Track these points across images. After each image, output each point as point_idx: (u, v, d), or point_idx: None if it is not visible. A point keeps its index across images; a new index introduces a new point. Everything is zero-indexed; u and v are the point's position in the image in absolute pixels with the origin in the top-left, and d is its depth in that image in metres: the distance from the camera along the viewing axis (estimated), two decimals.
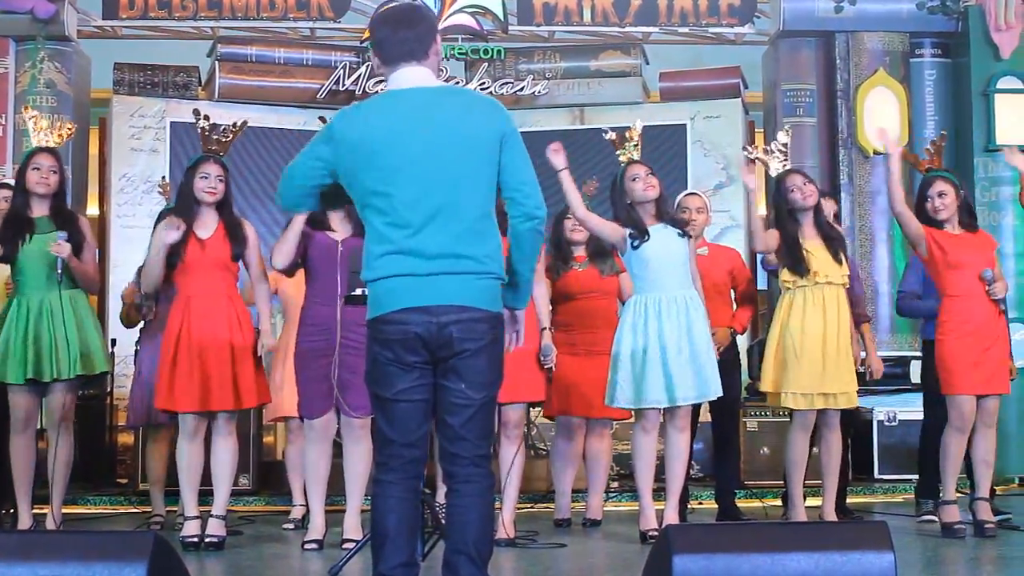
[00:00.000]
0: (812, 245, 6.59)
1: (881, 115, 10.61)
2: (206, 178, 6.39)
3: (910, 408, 8.85)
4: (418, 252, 3.70)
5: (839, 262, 6.59)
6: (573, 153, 10.30)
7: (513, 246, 3.90)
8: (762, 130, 11.47)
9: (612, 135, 6.75)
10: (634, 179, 6.48)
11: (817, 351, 6.49)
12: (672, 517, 6.37)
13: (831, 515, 6.66)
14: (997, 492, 7.70)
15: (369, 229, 3.80)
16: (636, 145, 6.66)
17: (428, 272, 3.70)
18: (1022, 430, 9.88)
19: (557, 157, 6.10)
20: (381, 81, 10.86)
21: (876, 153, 10.60)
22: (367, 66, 11.06)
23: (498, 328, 3.81)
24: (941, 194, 6.64)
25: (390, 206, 3.72)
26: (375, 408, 3.86)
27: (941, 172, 6.76)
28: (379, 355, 3.77)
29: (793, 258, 6.57)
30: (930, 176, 6.74)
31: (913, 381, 8.69)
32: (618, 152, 6.70)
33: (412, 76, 3.83)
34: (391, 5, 3.83)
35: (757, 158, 6.88)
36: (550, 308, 7.06)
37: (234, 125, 6.68)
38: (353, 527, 6.19)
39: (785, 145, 6.88)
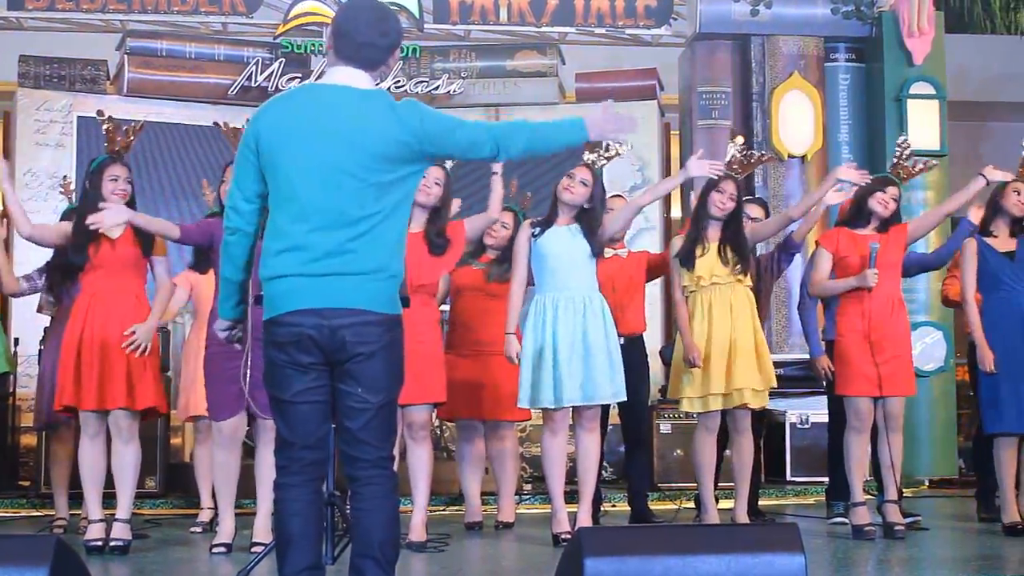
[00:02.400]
0: (709, 247, 6.62)
1: (795, 119, 10.74)
2: (115, 180, 6.35)
3: (822, 410, 8.89)
4: (313, 249, 3.66)
5: (726, 263, 6.58)
6: None
7: (507, 139, 3.79)
8: (677, 132, 11.54)
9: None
10: (569, 176, 6.49)
11: (703, 353, 6.52)
12: (584, 519, 6.37)
13: (743, 517, 6.71)
14: (907, 494, 7.80)
15: (269, 224, 3.76)
16: (608, 157, 6.59)
17: (321, 272, 3.66)
18: (932, 433, 10.03)
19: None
20: (294, 78, 10.79)
21: (791, 156, 10.71)
22: (280, 62, 10.99)
23: (395, 329, 3.76)
24: (895, 198, 6.73)
25: (290, 202, 3.68)
26: (273, 410, 3.81)
27: (899, 182, 6.84)
28: (275, 357, 3.72)
29: (689, 253, 6.61)
30: (884, 178, 6.82)
31: (824, 384, 8.77)
32: (586, 152, 6.61)
33: (347, 76, 3.77)
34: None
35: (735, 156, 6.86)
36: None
37: (134, 124, 6.61)
38: (263, 530, 6.11)
39: (755, 162, 6.91)
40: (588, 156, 6.54)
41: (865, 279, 6.49)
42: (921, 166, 6.96)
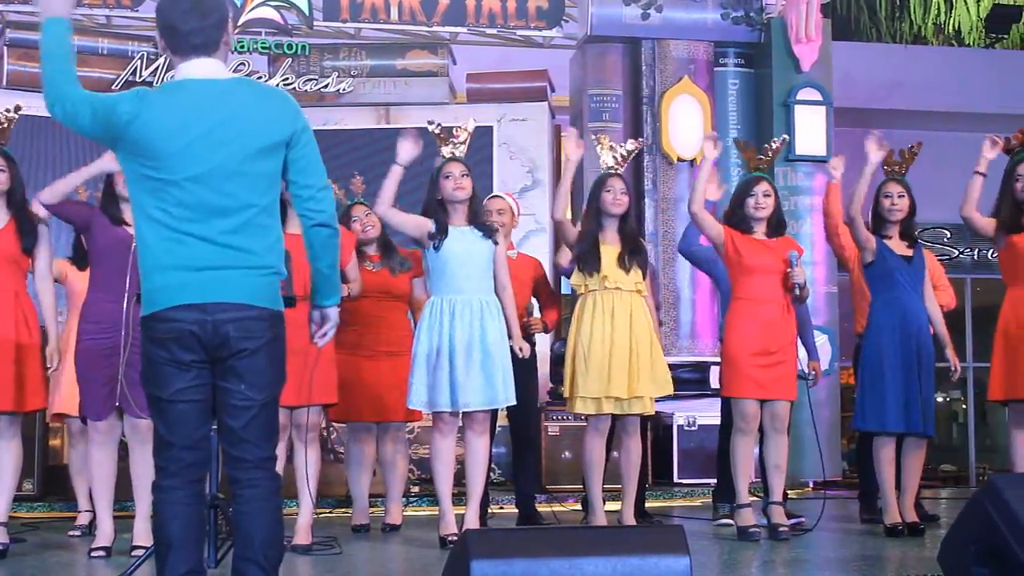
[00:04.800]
0: (608, 250, 6.64)
1: (685, 122, 10.85)
2: None
3: (710, 413, 8.99)
4: (193, 242, 3.60)
5: (627, 270, 6.62)
6: (378, 153, 10.32)
7: (306, 245, 3.85)
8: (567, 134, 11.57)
9: (437, 128, 6.63)
10: (447, 177, 6.43)
11: (604, 356, 6.53)
12: (472, 521, 6.36)
13: (630, 519, 6.74)
14: (791, 496, 7.90)
15: (143, 216, 3.67)
16: (462, 142, 6.57)
17: (203, 266, 3.61)
18: (817, 435, 10.14)
19: (406, 149, 6.18)
20: None
21: (680, 160, 10.81)
22: (165, 57, 10.82)
23: (279, 326, 3.73)
24: (767, 193, 6.76)
25: (168, 194, 3.61)
26: (151, 409, 3.74)
27: (766, 175, 6.87)
28: (154, 354, 3.65)
29: (587, 254, 6.62)
30: (758, 175, 6.85)
31: (713, 386, 8.86)
32: (441, 148, 6.59)
33: (202, 68, 3.72)
34: None
35: (606, 145, 6.87)
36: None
37: (7, 110, 6.44)
38: (143, 533, 6.01)
39: (630, 153, 6.92)
40: (444, 150, 6.51)
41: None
42: (772, 150, 6.98)
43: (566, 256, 7.02)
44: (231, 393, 3.66)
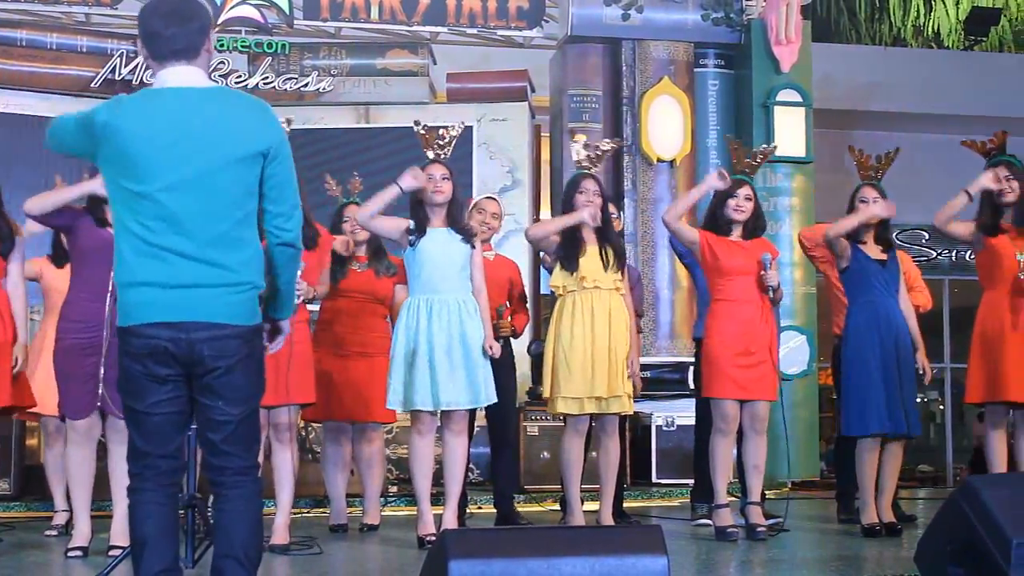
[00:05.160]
0: (587, 249, 6.65)
1: (665, 123, 10.87)
2: None
3: (688, 413, 8.99)
4: (169, 257, 3.59)
5: (607, 269, 6.63)
6: (357, 152, 10.33)
7: (269, 259, 3.84)
8: (548, 135, 11.60)
9: (422, 129, 6.62)
10: (428, 179, 6.44)
11: (587, 356, 6.53)
12: (450, 521, 6.36)
13: (608, 519, 6.75)
14: (769, 496, 7.92)
15: (121, 228, 3.66)
16: (447, 143, 6.58)
17: (178, 283, 3.59)
18: (794, 435, 10.19)
19: (408, 181, 6.23)
20: None
21: (660, 160, 10.83)
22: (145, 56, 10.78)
23: (255, 340, 3.72)
24: (748, 197, 6.78)
25: (144, 206, 3.59)
26: (127, 419, 3.73)
27: (748, 178, 6.89)
28: (130, 367, 3.64)
29: (567, 253, 6.63)
30: (739, 179, 6.86)
31: (691, 386, 8.88)
32: (426, 150, 6.59)
33: (181, 75, 3.70)
34: None
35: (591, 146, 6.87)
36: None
37: None
38: (120, 533, 5.98)
39: (604, 152, 6.92)
40: (430, 153, 6.52)
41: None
42: (760, 156, 7.02)
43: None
44: (210, 408, 3.66)
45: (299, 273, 3.99)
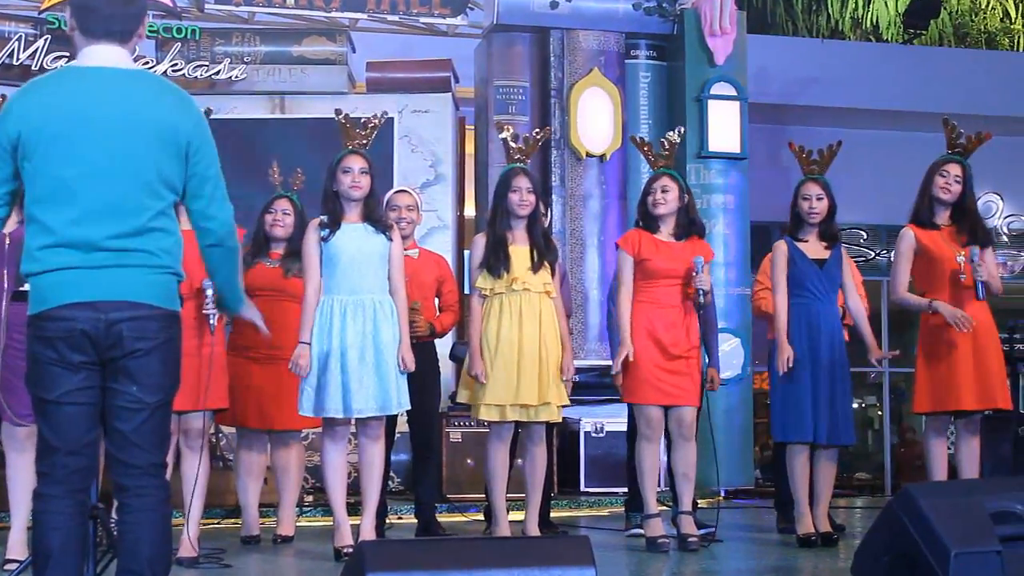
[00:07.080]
0: (516, 250, 6.64)
1: (595, 116, 10.90)
2: None
3: (618, 419, 9.02)
4: (86, 245, 3.59)
5: (537, 271, 6.64)
6: (272, 143, 10.25)
7: (203, 258, 3.87)
8: (472, 127, 11.59)
9: (343, 118, 6.58)
10: (345, 172, 6.41)
11: (512, 361, 6.54)
12: (368, 532, 6.34)
13: (534, 530, 6.76)
14: (701, 505, 7.97)
15: (33, 218, 3.64)
16: (368, 133, 6.54)
17: (96, 265, 3.59)
18: (729, 442, 10.26)
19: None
20: (60, 57, 10.49)
21: (589, 155, 10.86)
22: (45, 39, 10.66)
23: (174, 327, 3.73)
24: (664, 189, 6.81)
25: (59, 194, 3.59)
26: (36, 412, 3.71)
27: (670, 171, 6.92)
28: (41, 354, 3.62)
29: (495, 257, 6.62)
30: (658, 172, 6.90)
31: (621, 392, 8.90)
32: (346, 143, 6.54)
33: (106, 55, 3.70)
34: None
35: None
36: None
37: None
38: (17, 545, 5.95)
39: (536, 141, 6.92)
40: (349, 144, 6.49)
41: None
42: (668, 144, 7.04)
43: None
44: (121, 395, 3.64)
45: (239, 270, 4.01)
